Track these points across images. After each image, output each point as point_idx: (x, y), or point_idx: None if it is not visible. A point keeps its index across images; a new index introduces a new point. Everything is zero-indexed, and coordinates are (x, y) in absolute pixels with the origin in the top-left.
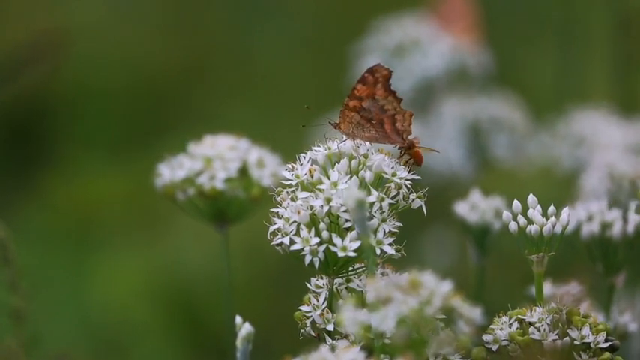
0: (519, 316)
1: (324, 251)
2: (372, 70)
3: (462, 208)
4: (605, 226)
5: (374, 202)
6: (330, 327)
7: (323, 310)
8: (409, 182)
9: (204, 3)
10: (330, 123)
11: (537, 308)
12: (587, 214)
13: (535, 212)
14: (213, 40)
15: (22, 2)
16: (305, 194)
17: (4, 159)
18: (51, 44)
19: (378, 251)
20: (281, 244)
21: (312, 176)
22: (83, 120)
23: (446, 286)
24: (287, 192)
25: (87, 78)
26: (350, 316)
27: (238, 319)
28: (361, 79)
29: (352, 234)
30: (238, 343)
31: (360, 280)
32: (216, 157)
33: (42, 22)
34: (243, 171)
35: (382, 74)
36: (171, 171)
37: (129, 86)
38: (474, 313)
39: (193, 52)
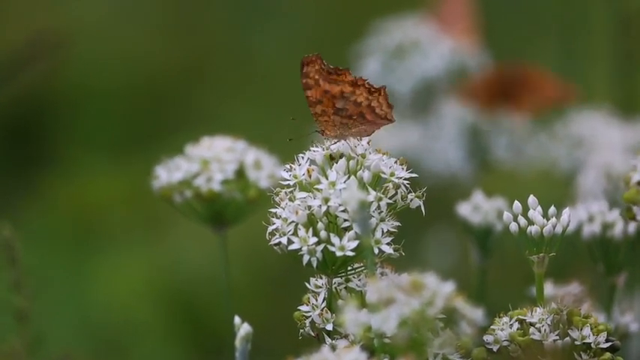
0: (520, 316)
1: (322, 251)
2: (305, 74)
3: (464, 209)
4: (607, 226)
5: (372, 202)
6: (330, 327)
7: (322, 310)
8: (408, 182)
9: (204, 3)
10: (317, 131)
11: (538, 309)
12: (588, 214)
13: (535, 213)
14: (213, 40)
15: (22, 2)
16: (303, 194)
17: (5, 159)
18: (51, 44)
19: (376, 251)
20: (279, 244)
21: (310, 176)
22: (83, 120)
23: (448, 287)
24: (285, 192)
25: (87, 78)
26: (352, 317)
27: (237, 319)
28: (305, 86)
29: (350, 234)
30: (237, 343)
31: (359, 280)
32: (213, 159)
33: (42, 22)
34: (240, 172)
35: (314, 70)
36: (168, 173)
37: (129, 86)
38: (476, 314)
39: (193, 52)
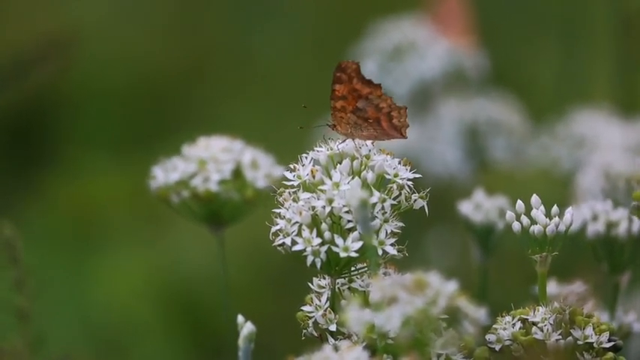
0: (522, 316)
1: (325, 252)
2: (341, 69)
3: (466, 208)
4: (611, 225)
5: (376, 203)
6: (333, 327)
7: (325, 311)
8: (411, 182)
9: (204, 3)
10: (328, 125)
11: (540, 308)
12: (592, 213)
13: (538, 212)
14: (213, 40)
15: (22, 2)
16: (307, 195)
17: (5, 159)
18: (55, 45)
19: (380, 252)
20: (283, 244)
21: (314, 177)
22: (84, 120)
23: (451, 287)
24: (289, 192)
25: (87, 78)
26: (355, 316)
27: (240, 318)
28: (336, 80)
29: (354, 234)
30: (240, 342)
31: (362, 281)
32: (210, 159)
33: (43, 22)
34: (237, 172)
35: (352, 69)
36: (165, 173)
37: (129, 86)
38: (478, 313)
39: (193, 52)
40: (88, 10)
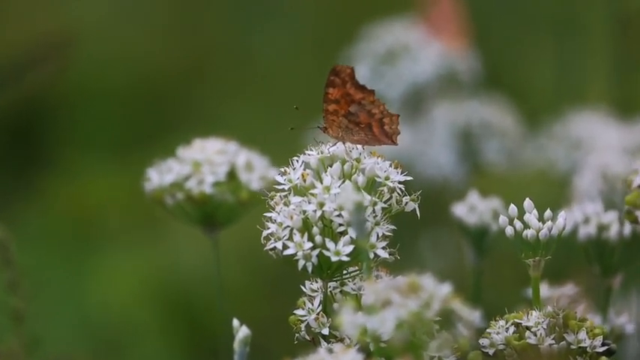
0: (516, 320)
1: (317, 255)
2: (336, 72)
3: (459, 210)
4: (602, 227)
5: (366, 206)
6: (325, 331)
7: (318, 314)
8: (402, 185)
9: (204, 3)
10: (319, 127)
11: (534, 312)
12: (583, 215)
13: (531, 216)
14: (213, 40)
15: (22, 2)
16: (298, 199)
17: (5, 159)
18: (54, 45)
19: (372, 255)
20: (274, 249)
21: (304, 180)
22: (83, 121)
23: (445, 289)
24: (280, 196)
25: (87, 78)
26: (349, 320)
27: (236, 322)
28: (330, 83)
29: (345, 238)
30: (236, 346)
31: (354, 284)
32: (204, 161)
33: (43, 22)
34: (232, 174)
35: (346, 73)
36: (159, 175)
37: (129, 86)
38: (472, 316)
39: (193, 52)
40: (88, 10)
